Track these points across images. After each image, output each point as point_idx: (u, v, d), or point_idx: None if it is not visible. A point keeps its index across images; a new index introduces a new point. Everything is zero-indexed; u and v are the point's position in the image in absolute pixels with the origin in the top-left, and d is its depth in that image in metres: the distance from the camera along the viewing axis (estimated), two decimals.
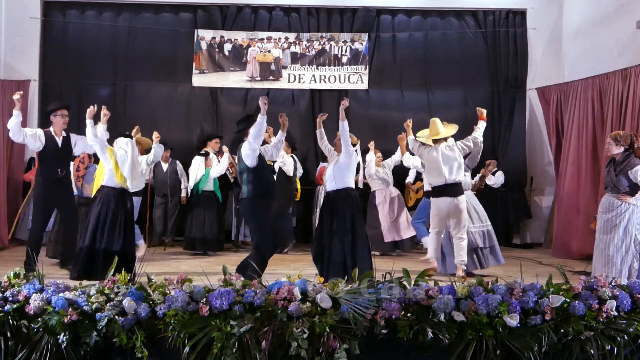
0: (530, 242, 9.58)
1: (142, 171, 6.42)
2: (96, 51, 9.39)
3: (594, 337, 3.21)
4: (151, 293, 3.34)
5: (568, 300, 3.30)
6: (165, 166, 8.47)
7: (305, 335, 3.03)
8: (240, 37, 9.57)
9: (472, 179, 7.14)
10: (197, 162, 8.00)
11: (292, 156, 8.21)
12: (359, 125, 9.00)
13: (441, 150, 6.17)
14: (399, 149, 7.59)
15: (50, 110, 6.15)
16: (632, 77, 7.29)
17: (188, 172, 8.32)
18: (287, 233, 8.19)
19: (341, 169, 5.63)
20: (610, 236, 5.30)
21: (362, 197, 7.58)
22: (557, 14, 9.61)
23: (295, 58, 9.62)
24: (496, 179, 8.55)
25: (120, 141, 5.64)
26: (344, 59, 9.63)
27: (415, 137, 6.45)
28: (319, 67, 9.61)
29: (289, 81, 9.61)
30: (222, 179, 8.13)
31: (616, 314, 3.31)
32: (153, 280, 3.46)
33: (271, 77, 9.60)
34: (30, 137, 5.87)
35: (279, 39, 9.60)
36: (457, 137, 6.42)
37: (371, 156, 7.71)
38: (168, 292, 3.30)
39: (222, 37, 9.55)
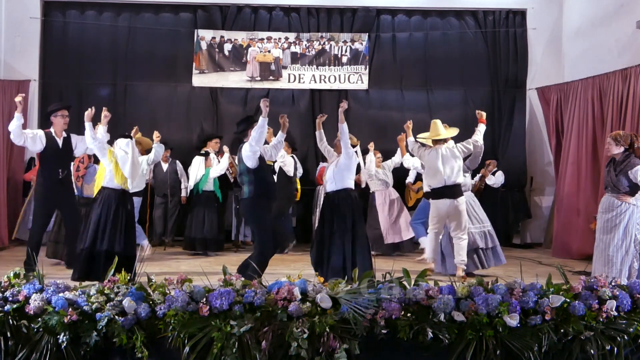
0: (530, 242, 9.58)
1: (143, 171, 6.41)
2: (96, 51, 9.39)
3: (594, 337, 3.22)
4: (151, 293, 3.34)
5: (568, 300, 3.30)
6: (165, 166, 8.47)
7: (305, 335, 3.03)
8: (240, 37, 9.57)
9: (472, 179, 7.14)
10: (197, 162, 8.00)
11: (292, 156, 8.21)
12: (359, 125, 9.01)
13: (441, 152, 6.17)
14: (399, 150, 7.59)
15: (50, 110, 6.14)
16: (632, 77, 7.29)
17: (188, 172, 8.33)
18: (288, 233, 8.20)
19: (341, 170, 5.65)
20: (610, 236, 5.30)
21: (362, 197, 7.59)
22: (557, 14, 9.61)
23: (295, 58, 9.62)
24: (496, 179, 8.55)
25: (121, 142, 5.63)
26: (344, 59, 9.63)
27: (416, 138, 6.45)
28: (319, 67, 9.61)
29: (289, 81, 9.61)
30: (222, 179, 8.14)
31: (616, 314, 3.31)
32: (153, 280, 3.46)
33: (271, 77, 9.60)
34: (31, 139, 5.87)
35: (279, 39, 9.60)
36: (458, 137, 6.42)
37: (371, 157, 7.72)
38: (168, 292, 3.31)
39: (222, 37, 9.55)
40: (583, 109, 8.14)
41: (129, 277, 3.47)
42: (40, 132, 5.98)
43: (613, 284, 3.51)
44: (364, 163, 7.53)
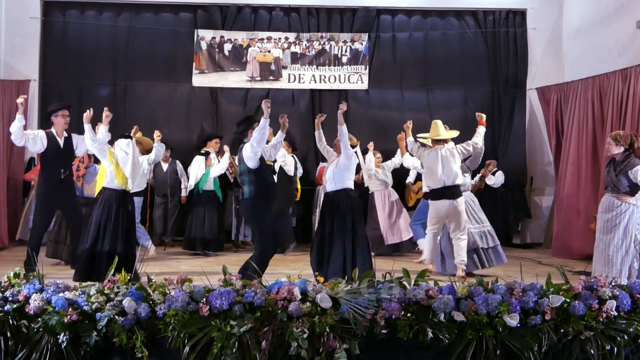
0: (530, 242, 9.58)
1: (144, 171, 6.41)
2: (96, 51, 9.39)
3: (594, 337, 3.21)
4: (151, 293, 3.34)
5: (568, 300, 3.30)
6: (165, 166, 8.47)
7: (305, 335, 3.03)
8: (240, 37, 9.57)
9: (472, 179, 7.14)
10: (198, 161, 8.01)
11: (292, 156, 8.21)
12: (359, 125, 9.02)
13: (440, 153, 6.17)
14: (398, 150, 7.58)
15: (51, 110, 6.13)
16: (632, 77, 7.29)
17: (187, 171, 8.33)
18: (288, 233, 8.19)
19: (341, 170, 5.67)
20: (610, 236, 5.30)
21: (362, 198, 7.58)
22: (557, 14, 9.61)
23: (295, 58, 9.62)
24: (496, 179, 8.55)
25: (121, 142, 5.63)
26: (344, 59, 9.63)
27: (416, 138, 6.45)
28: (319, 67, 9.61)
29: (289, 81, 9.61)
30: (222, 179, 8.14)
31: (616, 314, 3.31)
32: (153, 280, 3.46)
33: (271, 77, 9.60)
34: (32, 140, 5.86)
35: (279, 39, 9.60)
36: (458, 138, 6.42)
37: (370, 156, 7.72)
38: (168, 292, 3.31)
39: (222, 37, 9.55)
40: (583, 109, 8.14)
41: (129, 277, 3.47)
42: (41, 133, 5.97)
43: (613, 284, 3.51)
44: (364, 163, 7.53)
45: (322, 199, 6.47)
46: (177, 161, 8.64)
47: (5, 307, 3.24)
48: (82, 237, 5.43)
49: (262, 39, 9.58)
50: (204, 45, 9.52)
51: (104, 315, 3.15)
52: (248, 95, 9.54)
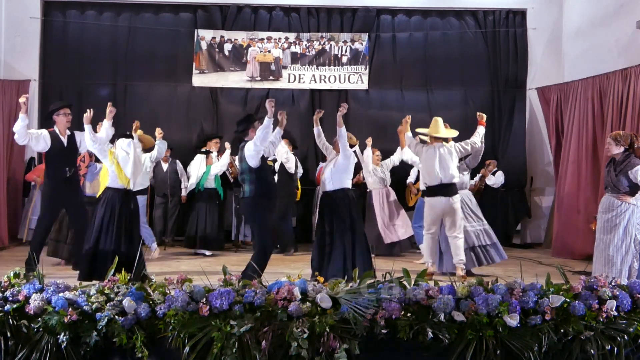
0: (530, 242, 9.58)
1: (146, 169, 6.39)
2: (96, 51, 9.39)
3: (594, 337, 3.21)
4: (151, 293, 3.34)
5: (568, 300, 3.30)
6: (165, 166, 8.47)
7: (305, 335, 3.03)
8: (240, 37, 9.57)
9: (472, 179, 7.13)
10: (199, 159, 8.02)
11: (293, 154, 8.22)
12: (359, 125, 9.02)
13: (439, 150, 6.17)
14: (398, 149, 7.58)
15: (52, 110, 6.12)
16: (632, 77, 7.29)
17: (187, 171, 8.33)
18: (288, 234, 8.19)
19: (339, 170, 5.69)
20: (610, 236, 5.30)
21: (360, 197, 7.58)
22: (557, 14, 9.61)
23: (295, 58, 9.61)
24: (496, 179, 8.55)
25: (122, 142, 5.63)
26: (344, 59, 9.63)
27: (415, 133, 6.43)
28: (319, 67, 9.61)
29: (289, 81, 9.61)
30: (223, 178, 8.14)
31: (616, 314, 3.31)
32: (153, 280, 3.46)
33: (271, 77, 9.59)
34: (35, 139, 5.85)
35: (279, 39, 9.60)
36: (457, 137, 6.41)
37: (368, 152, 7.72)
38: (168, 292, 3.31)
39: (222, 37, 9.55)
40: (583, 109, 8.14)
41: (129, 277, 3.47)
42: (45, 132, 5.96)
43: (613, 284, 3.51)
44: (363, 161, 7.53)
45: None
46: (177, 161, 8.64)
47: (5, 307, 3.24)
48: (85, 237, 5.43)
49: (262, 39, 9.58)
50: (204, 45, 9.52)
51: (104, 315, 3.15)
52: (248, 95, 9.54)
